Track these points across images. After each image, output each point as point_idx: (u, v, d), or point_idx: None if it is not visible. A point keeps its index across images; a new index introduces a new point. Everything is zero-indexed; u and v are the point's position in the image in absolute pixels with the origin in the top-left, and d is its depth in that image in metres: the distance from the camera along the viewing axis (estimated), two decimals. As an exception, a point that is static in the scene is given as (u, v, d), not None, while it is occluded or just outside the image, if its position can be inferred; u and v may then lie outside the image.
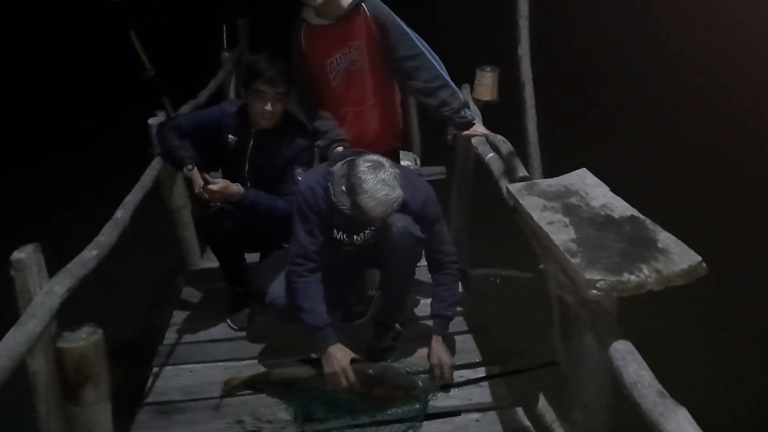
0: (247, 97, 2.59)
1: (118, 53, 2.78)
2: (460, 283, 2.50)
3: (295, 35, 2.68)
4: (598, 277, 1.33)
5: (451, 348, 2.57)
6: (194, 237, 3.41)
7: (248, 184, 2.65)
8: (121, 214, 2.14)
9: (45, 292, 1.55)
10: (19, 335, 1.38)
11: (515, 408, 2.36)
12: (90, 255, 1.78)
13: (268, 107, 2.53)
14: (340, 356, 2.28)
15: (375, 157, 2.15)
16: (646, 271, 1.33)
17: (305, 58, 2.67)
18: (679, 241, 1.42)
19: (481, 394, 2.44)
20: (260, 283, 2.63)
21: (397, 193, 2.09)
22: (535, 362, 2.37)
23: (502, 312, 3.23)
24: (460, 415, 2.35)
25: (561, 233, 1.53)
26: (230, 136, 2.66)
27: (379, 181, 2.07)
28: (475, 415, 2.35)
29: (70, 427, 1.68)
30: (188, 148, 2.60)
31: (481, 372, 2.56)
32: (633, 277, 1.32)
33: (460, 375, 2.54)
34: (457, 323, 2.88)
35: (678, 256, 1.35)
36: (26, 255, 1.53)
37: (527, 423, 2.30)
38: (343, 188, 2.14)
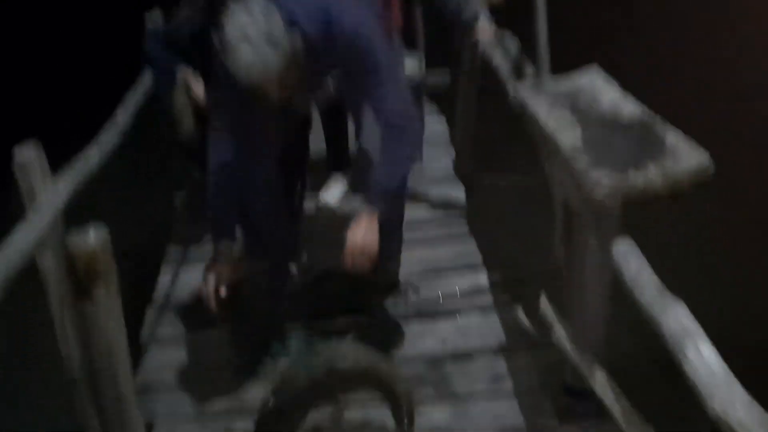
0: None
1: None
2: (408, 147, 1.99)
3: None
4: (604, 177, 1.32)
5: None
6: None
7: None
8: (122, 116, 2.11)
9: (51, 191, 1.55)
10: (28, 232, 1.39)
11: (515, 308, 2.43)
12: (92, 154, 1.77)
13: None
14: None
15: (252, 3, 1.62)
16: (652, 170, 1.32)
17: None
18: (687, 140, 1.40)
19: (483, 295, 2.50)
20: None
21: (263, 52, 1.57)
22: (538, 269, 2.42)
23: (504, 217, 3.25)
24: (460, 314, 2.43)
25: (568, 134, 1.50)
26: None
27: (240, 34, 1.57)
28: (476, 315, 2.42)
29: (83, 323, 1.73)
30: (176, 57, 2.53)
31: (483, 274, 2.61)
32: (639, 177, 1.31)
33: (462, 276, 2.60)
34: (460, 226, 2.92)
35: (686, 155, 1.34)
36: (28, 154, 1.52)
37: (526, 322, 2.37)
38: None
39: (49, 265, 1.60)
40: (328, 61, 1.80)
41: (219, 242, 1.92)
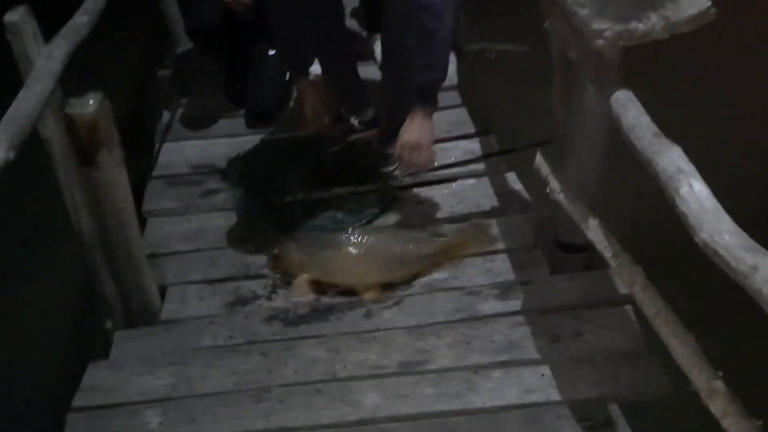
0: None
1: None
2: (439, 42, 1.93)
3: None
4: (605, 27, 1.33)
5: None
6: (178, 14, 3.25)
7: None
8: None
9: (45, 57, 1.53)
10: (30, 97, 1.39)
11: (508, 173, 2.49)
12: (82, 21, 1.72)
13: None
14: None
15: None
16: (654, 19, 1.32)
17: None
18: (689, -13, 1.39)
19: (477, 162, 2.54)
20: (253, 95, 2.62)
21: None
22: (532, 136, 2.44)
23: (496, 86, 3.25)
24: (456, 181, 2.49)
25: (569, -15, 1.49)
26: None
27: None
28: (471, 181, 2.49)
29: (90, 191, 1.77)
30: None
31: (476, 143, 2.65)
32: (640, 26, 1.32)
33: (455, 145, 2.63)
34: (451, 97, 2.91)
35: (687, 3, 1.34)
36: (19, 17, 1.48)
37: (519, 186, 2.44)
38: None
39: (51, 133, 1.61)
40: None
41: (300, 76, 2.13)
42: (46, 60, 1.52)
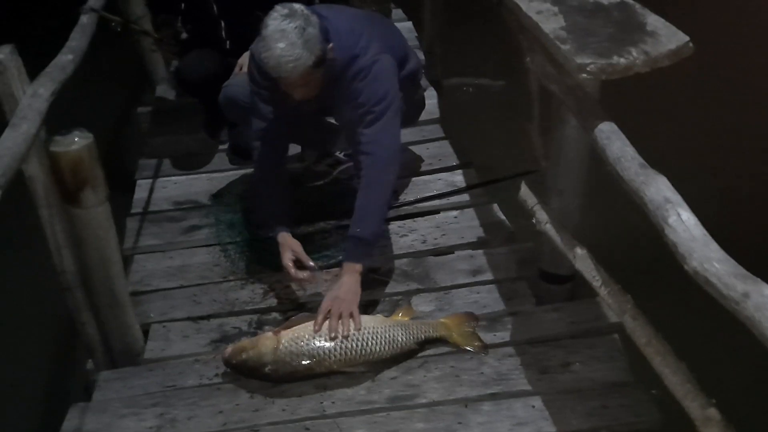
0: None
1: None
2: (389, 186, 1.98)
3: None
4: (588, 61, 1.37)
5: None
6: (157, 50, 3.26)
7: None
8: (87, 19, 2.03)
9: (30, 95, 1.52)
10: (16, 136, 1.37)
11: (491, 204, 2.52)
12: (66, 59, 1.72)
13: None
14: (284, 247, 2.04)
15: (298, 6, 1.80)
16: (634, 54, 1.37)
17: None
18: (667, 23, 1.44)
19: (460, 195, 2.57)
20: (236, 133, 2.66)
21: (297, 53, 1.73)
22: (512, 168, 2.48)
23: (476, 119, 3.30)
24: (439, 213, 2.51)
25: (550, 22, 1.53)
26: None
27: (279, 31, 1.73)
28: (454, 213, 2.50)
29: (73, 229, 1.74)
30: None
31: (458, 175, 2.68)
32: (622, 60, 1.36)
33: (438, 178, 2.66)
34: (434, 131, 2.95)
35: (666, 38, 1.39)
36: (5, 56, 1.47)
37: (502, 216, 2.47)
38: None
39: (35, 172, 1.59)
40: (338, 87, 1.94)
41: (277, 231, 2.05)
42: (31, 98, 1.51)
